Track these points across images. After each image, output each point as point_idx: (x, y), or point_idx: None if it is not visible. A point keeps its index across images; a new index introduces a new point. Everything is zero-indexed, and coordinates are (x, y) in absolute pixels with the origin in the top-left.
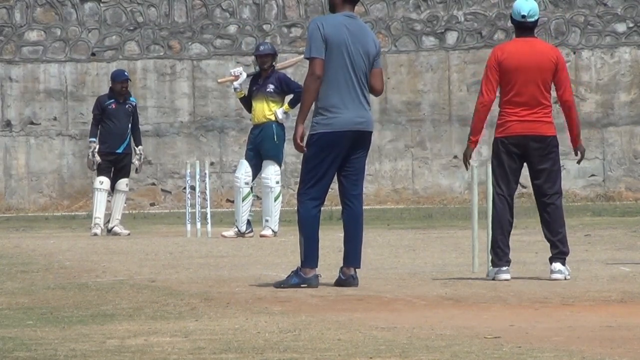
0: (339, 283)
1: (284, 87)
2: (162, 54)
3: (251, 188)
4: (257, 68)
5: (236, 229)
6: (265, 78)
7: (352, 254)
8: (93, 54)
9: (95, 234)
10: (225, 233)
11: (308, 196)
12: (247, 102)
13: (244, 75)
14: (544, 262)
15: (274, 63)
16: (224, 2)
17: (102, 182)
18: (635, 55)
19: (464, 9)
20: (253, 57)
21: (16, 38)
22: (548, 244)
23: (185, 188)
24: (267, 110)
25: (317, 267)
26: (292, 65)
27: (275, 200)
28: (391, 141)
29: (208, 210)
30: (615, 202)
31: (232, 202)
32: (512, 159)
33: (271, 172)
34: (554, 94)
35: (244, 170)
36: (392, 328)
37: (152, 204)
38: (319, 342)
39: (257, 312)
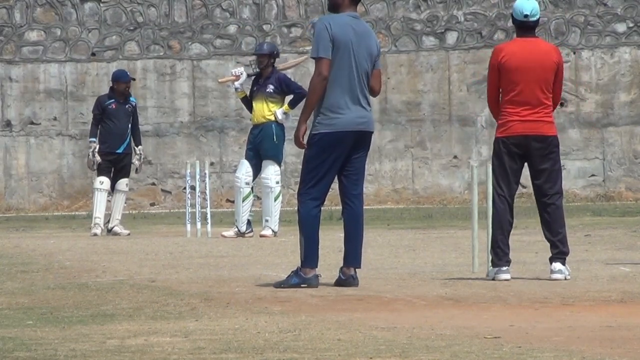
0: (339, 283)
1: (284, 87)
2: (162, 54)
3: (252, 188)
4: (256, 68)
5: (236, 229)
6: (265, 78)
7: (352, 254)
8: (93, 54)
9: (95, 234)
10: (225, 233)
11: (309, 196)
12: (248, 102)
13: (245, 75)
14: (544, 262)
15: (273, 64)
16: (224, 2)
17: (102, 182)
18: (635, 55)
19: (464, 9)
20: (253, 57)
21: (16, 38)
22: (548, 244)
23: (185, 188)
24: (267, 110)
25: (317, 267)
26: (294, 66)
27: (275, 200)
28: (391, 141)
29: (208, 210)
30: (615, 202)
31: (232, 202)
32: (513, 159)
33: (271, 172)
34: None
35: (245, 170)
36: (392, 328)
37: (152, 204)
38: (319, 342)
39: (257, 312)
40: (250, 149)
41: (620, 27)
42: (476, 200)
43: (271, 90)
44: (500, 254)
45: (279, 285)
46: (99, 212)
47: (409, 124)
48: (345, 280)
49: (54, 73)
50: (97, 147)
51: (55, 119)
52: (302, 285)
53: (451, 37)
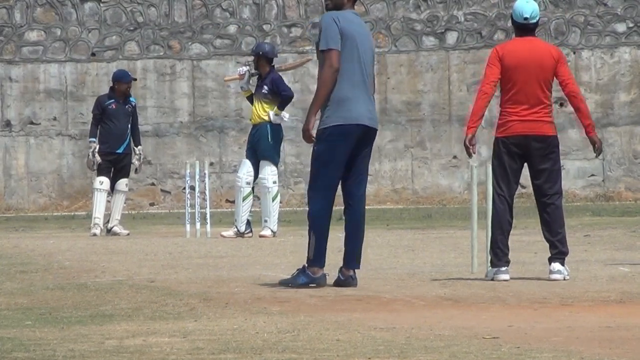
0: (338, 283)
1: (275, 88)
2: (162, 54)
3: (252, 188)
4: (252, 69)
5: (235, 229)
6: (263, 79)
7: (351, 255)
8: (93, 54)
9: (95, 234)
10: (224, 233)
11: (320, 193)
12: (253, 102)
13: (248, 74)
14: (543, 263)
15: (271, 64)
16: (224, 2)
17: (102, 182)
18: (635, 55)
19: (464, 9)
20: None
21: (16, 38)
22: (547, 244)
23: (184, 188)
24: (262, 111)
25: (324, 266)
26: (296, 67)
27: (273, 201)
28: (391, 141)
29: (207, 210)
30: (615, 202)
31: (232, 202)
32: (513, 159)
33: (268, 172)
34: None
35: (246, 170)
36: (391, 328)
37: (151, 204)
38: (318, 342)
39: (255, 313)
40: (249, 148)
41: (620, 27)
42: (475, 200)
43: (265, 91)
44: (499, 254)
45: (286, 283)
46: (98, 212)
47: (409, 124)
48: (344, 280)
49: (54, 73)
50: (97, 147)
51: (55, 119)
52: (311, 285)
53: (451, 37)
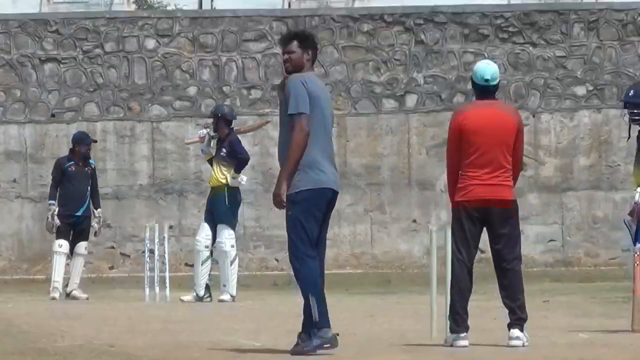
0: (295, 352)
1: (233, 151)
2: (121, 115)
3: (211, 252)
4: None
5: (195, 294)
6: (222, 142)
7: (311, 321)
8: (53, 115)
9: (54, 298)
10: (183, 297)
11: (307, 255)
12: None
13: (208, 137)
14: (502, 328)
15: (230, 126)
16: (184, 63)
17: (62, 245)
18: (595, 119)
19: (424, 71)
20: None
21: None
22: (507, 310)
23: (144, 252)
24: (220, 174)
25: (331, 326)
26: (256, 129)
27: (231, 265)
28: (350, 205)
29: (167, 274)
30: (574, 268)
31: (191, 266)
32: (473, 223)
33: (225, 236)
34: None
35: (205, 233)
36: None
37: (110, 268)
38: None
39: None
40: (207, 211)
41: (580, 91)
42: (435, 266)
43: (224, 154)
44: (458, 320)
45: (300, 352)
46: (57, 276)
47: (368, 188)
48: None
49: (13, 134)
50: (56, 209)
51: (14, 181)
52: (325, 346)
53: (411, 100)
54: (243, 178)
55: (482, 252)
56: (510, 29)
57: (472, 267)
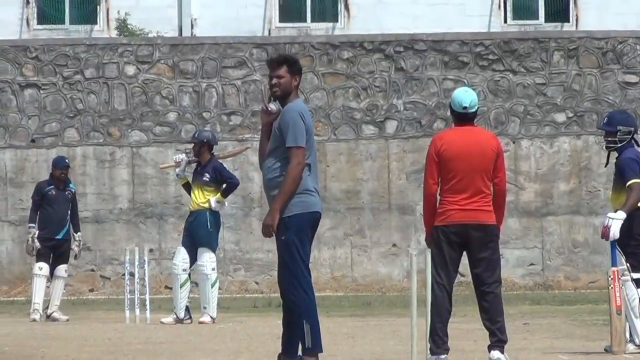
0: None
1: (218, 176)
2: (101, 140)
3: (189, 275)
4: (192, 156)
5: (175, 316)
6: (203, 166)
7: (290, 343)
8: (33, 141)
9: (34, 320)
10: (164, 320)
11: (305, 280)
12: (189, 189)
13: (185, 161)
14: (482, 351)
15: (211, 151)
16: (164, 89)
17: (42, 267)
18: (575, 145)
19: (404, 98)
20: (191, 144)
21: None
22: (487, 332)
23: (124, 274)
24: (202, 198)
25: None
26: (235, 155)
27: (212, 287)
28: (330, 229)
29: (147, 296)
30: (554, 291)
31: (171, 288)
32: (452, 247)
33: (206, 259)
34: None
35: (182, 257)
36: None
37: (91, 290)
38: None
39: None
40: (186, 235)
41: (560, 117)
42: (415, 289)
43: (207, 179)
44: (438, 341)
45: None
46: (37, 298)
47: (348, 212)
48: None
49: None
50: (37, 232)
51: None
52: None
53: (390, 126)
54: (225, 202)
55: (462, 275)
56: (490, 56)
57: (452, 290)
